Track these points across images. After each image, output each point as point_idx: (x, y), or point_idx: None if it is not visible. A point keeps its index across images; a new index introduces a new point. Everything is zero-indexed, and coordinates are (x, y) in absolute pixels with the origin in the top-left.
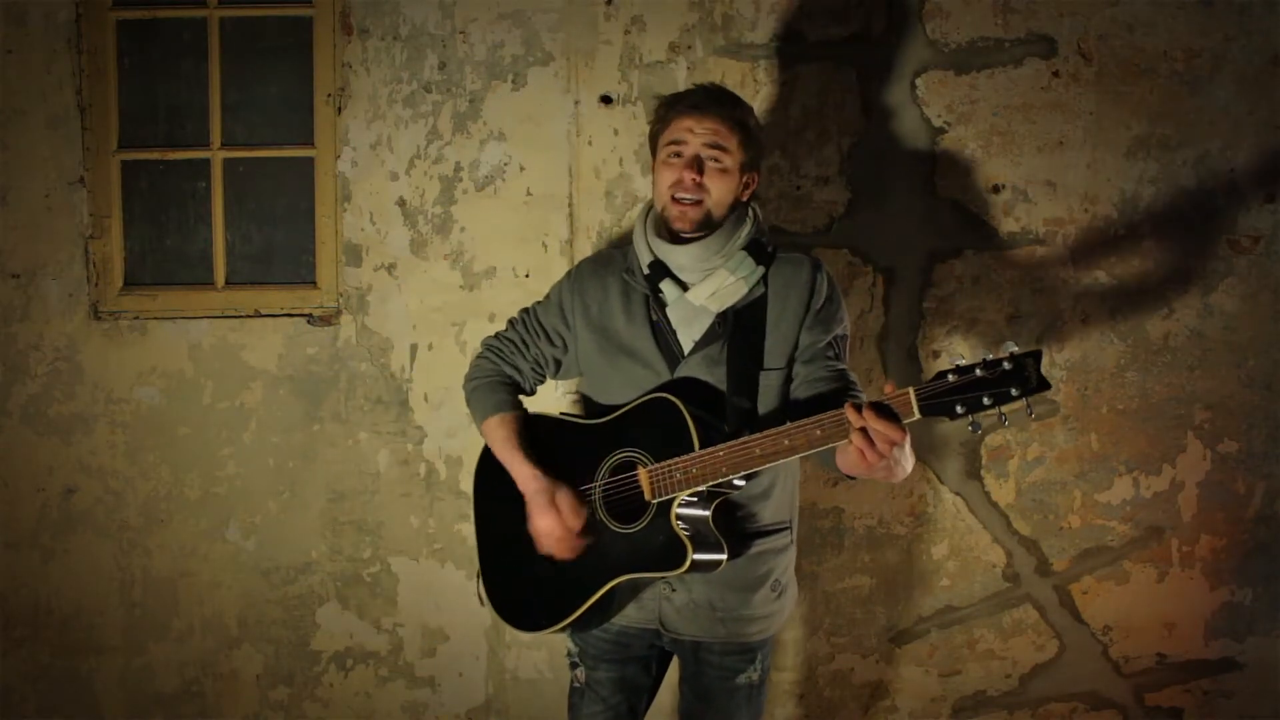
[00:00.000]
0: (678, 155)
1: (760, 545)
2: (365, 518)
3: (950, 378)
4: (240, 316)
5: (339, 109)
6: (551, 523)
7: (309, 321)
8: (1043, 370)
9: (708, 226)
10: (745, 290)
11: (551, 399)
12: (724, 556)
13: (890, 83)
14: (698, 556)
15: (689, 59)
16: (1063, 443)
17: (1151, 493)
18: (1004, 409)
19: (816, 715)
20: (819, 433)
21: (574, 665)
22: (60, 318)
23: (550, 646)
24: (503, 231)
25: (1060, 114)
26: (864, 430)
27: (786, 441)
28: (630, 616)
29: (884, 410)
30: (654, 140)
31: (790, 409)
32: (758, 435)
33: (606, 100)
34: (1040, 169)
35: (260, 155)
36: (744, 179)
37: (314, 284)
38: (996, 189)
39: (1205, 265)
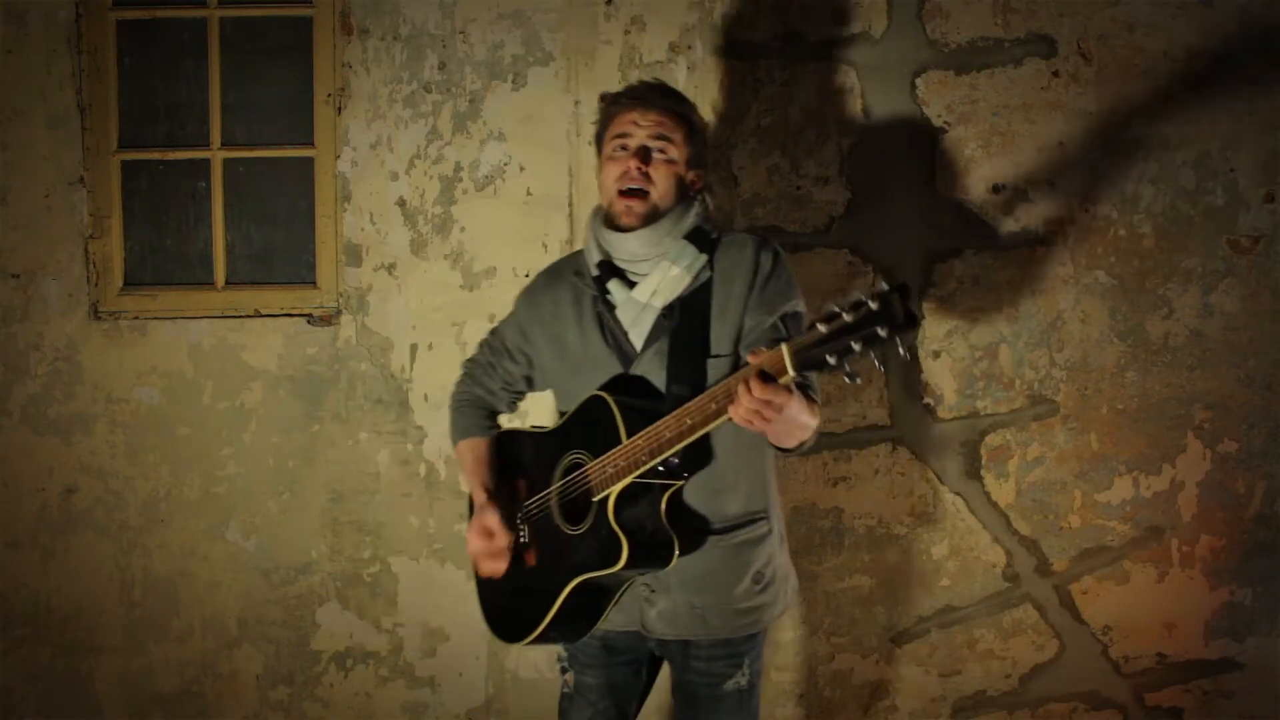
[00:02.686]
0: (623, 148)
1: (733, 538)
2: (365, 518)
3: (820, 327)
4: (240, 316)
5: (339, 109)
6: (478, 544)
7: (309, 321)
8: (911, 305)
9: (653, 220)
10: (689, 279)
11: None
12: (673, 551)
13: (890, 83)
14: (637, 550)
15: (689, 59)
16: (1063, 443)
17: (1151, 493)
18: (874, 351)
19: (816, 715)
20: (714, 406)
21: (564, 670)
22: (60, 318)
23: (549, 647)
24: (503, 231)
25: (1060, 114)
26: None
27: (689, 421)
28: (612, 621)
29: (767, 378)
30: (599, 139)
31: None
32: (665, 418)
33: (603, 102)
34: (1040, 169)
35: (260, 155)
36: (689, 174)
37: (314, 284)
38: (996, 189)
39: (1205, 265)
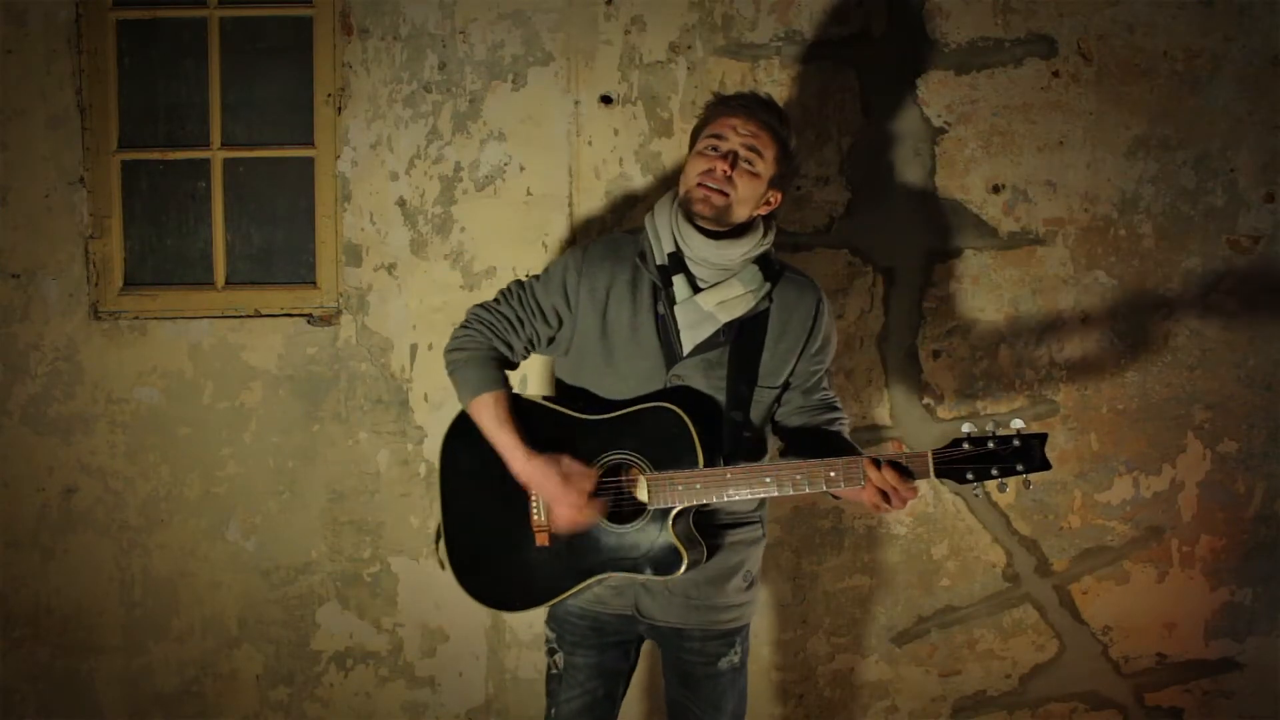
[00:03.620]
0: (715, 149)
1: (733, 537)
2: (365, 518)
3: (965, 446)
4: (240, 316)
5: (339, 109)
6: (568, 499)
7: (309, 321)
8: (1046, 451)
9: (724, 222)
10: (752, 304)
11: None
12: (704, 557)
13: (890, 83)
14: (692, 561)
15: (689, 59)
16: (1063, 443)
17: (1151, 493)
18: (1007, 480)
19: (816, 715)
20: (833, 474)
21: (552, 651)
22: (60, 318)
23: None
24: (503, 231)
25: (1060, 114)
26: (882, 487)
27: (799, 476)
28: (607, 603)
29: (903, 471)
30: (695, 134)
31: (779, 432)
32: (773, 465)
33: (606, 100)
34: (1040, 169)
35: (260, 155)
36: (769, 193)
37: (314, 284)
38: (996, 189)
39: (1205, 265)
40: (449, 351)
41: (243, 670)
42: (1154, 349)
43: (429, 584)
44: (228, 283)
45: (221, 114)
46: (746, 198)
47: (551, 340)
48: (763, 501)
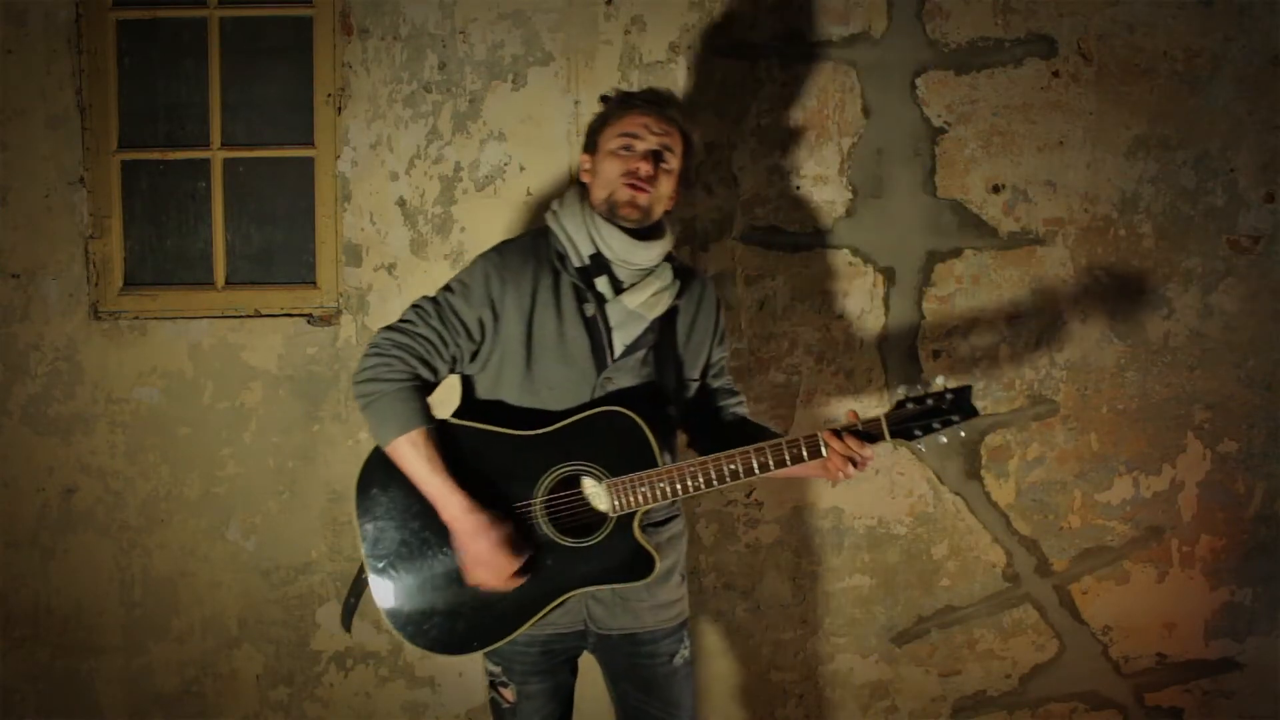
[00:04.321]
0: (630, 148)
1: (664, 534)
2: None
3: (909, 406)
4: (240, 316)
5: (339, 109)
6: (495, 567)
7: (309, 321)
8: (974, 400)
9: (645, 221)
10: (670, 300)
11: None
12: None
13: (890, 83)
14: (663, 564)
15: (689, 59)
16: (1063, 443)
17: (1151, 493)
18: (944, 433)
19: (816, 715)
20: (794, 452)
21: (499, 686)
22: (60, 318)
23: None
24: (503, 231)
25: (1060, 114)
26: (848, 455)
27: (764, 459)
28: (556, 624)
29: (864, 436)
30: (597, 132)
31: (696, 421)
32: (731, 452)
33: (606, 100)
34: (1040, 169)
35: (260, 155)
36: (678, 182)
37: (314, 284)
38: (996, 189)
39: (1205, 265)
40: (361, 383)
41: (243, 670)
42: (1154, 349)
43: None
44: (228, 283)
45: (221, 114)
46: (664, 195)
47: (475, 356)
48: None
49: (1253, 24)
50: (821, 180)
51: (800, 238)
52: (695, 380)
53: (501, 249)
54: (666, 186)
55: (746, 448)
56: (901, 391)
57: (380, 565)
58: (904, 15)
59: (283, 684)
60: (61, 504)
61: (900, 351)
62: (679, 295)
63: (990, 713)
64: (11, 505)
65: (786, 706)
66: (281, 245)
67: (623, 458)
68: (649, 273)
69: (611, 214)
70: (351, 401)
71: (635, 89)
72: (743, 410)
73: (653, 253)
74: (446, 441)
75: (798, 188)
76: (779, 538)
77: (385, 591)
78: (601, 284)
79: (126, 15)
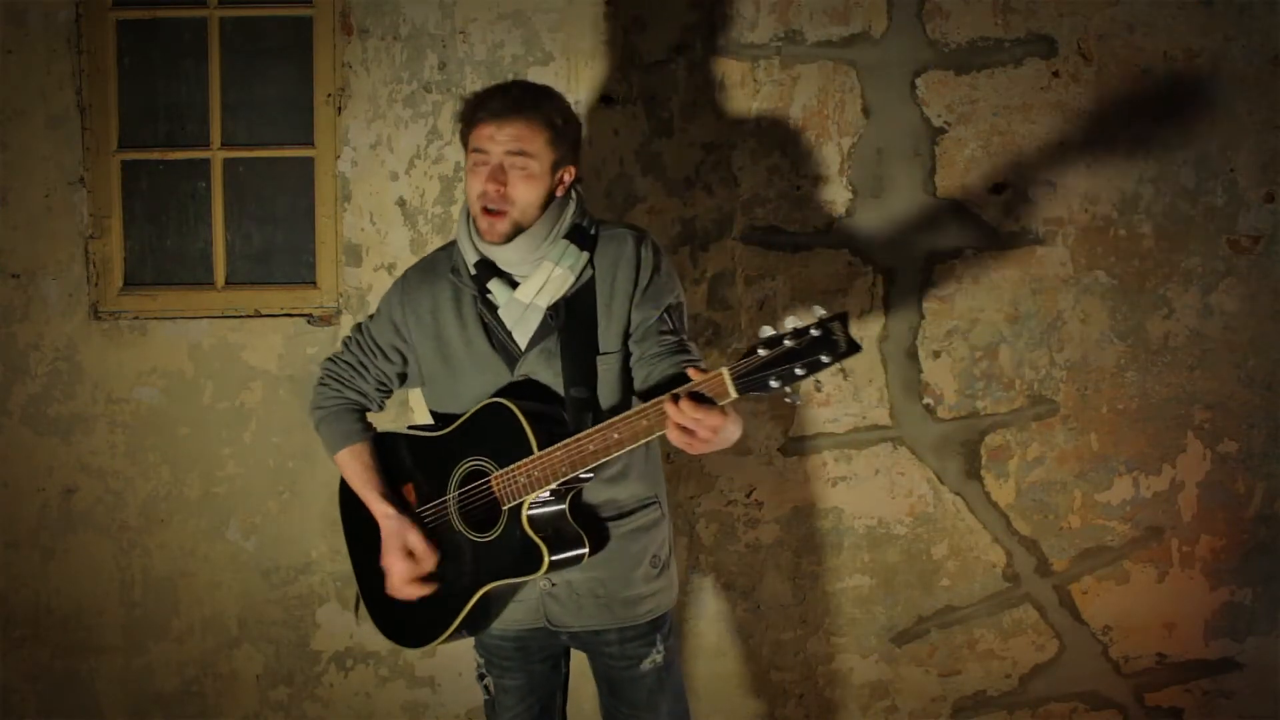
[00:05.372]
0: (483, 164)
1: (627, 525)
2: None
3: (761, 352)
4: (240, 316)
5: (339, 109)
6: (403, 568)
7: (309, 321)
8: (851, 332)
9: (517, 234)
10: (573, 279)
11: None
12: (584, 550)
13: (890, 83)
14: (555, 557)
15: (689, 59)
16: (1063, 443)
17: (1151, 493)
18: (817, 376)
19: (816, 715)
20: (645, 423)
21: (481, 676)
22: (60, 318)
23: None
24: None
25: (1060, 114)
26: (683, 423)
27: (615, 435)
28: (519, 620)
29: (700, 399)
30: (462, 139)
31: (639, 396)
32: (589, 431)
33: (606, 100)
34: (1040, 169)
35: (260, 155)
36: (557, 176)
37: (314, 284)
38: (996, 189)
39: (1205, 265)
40: (311, 411)
41: (243, 670)
42: (1154, 349)
43: None
44: (228, 283)
45: (221, 114)
46: (530, 201)
47: (403, 376)
48: (659, 483)
49: (1253, 24)
50: (821, 180)
51: (800, 238)
52: (616, 351)
53: (408, 271)
54: (529, 193)
55: (607, 423)
56: (764, 332)
57: (354, 564)
58: (904, 15)
59: (283, 684)
60: (61, 504)
61: (900, 351)
62: (591, 266)
63: (990, 713)
64: (11, 505)
65: (786, 706)
66: (281, 245)
67: (506, 448)
68: (542, 257)
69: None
70: None
71: (493, 86)
72: (684, 368)
73: (531, 250)
74: (384, 450)
75: (798, 188)
76: (779, 538)
77: (363, 587)
78: (495, 286)
79: (126, 15)
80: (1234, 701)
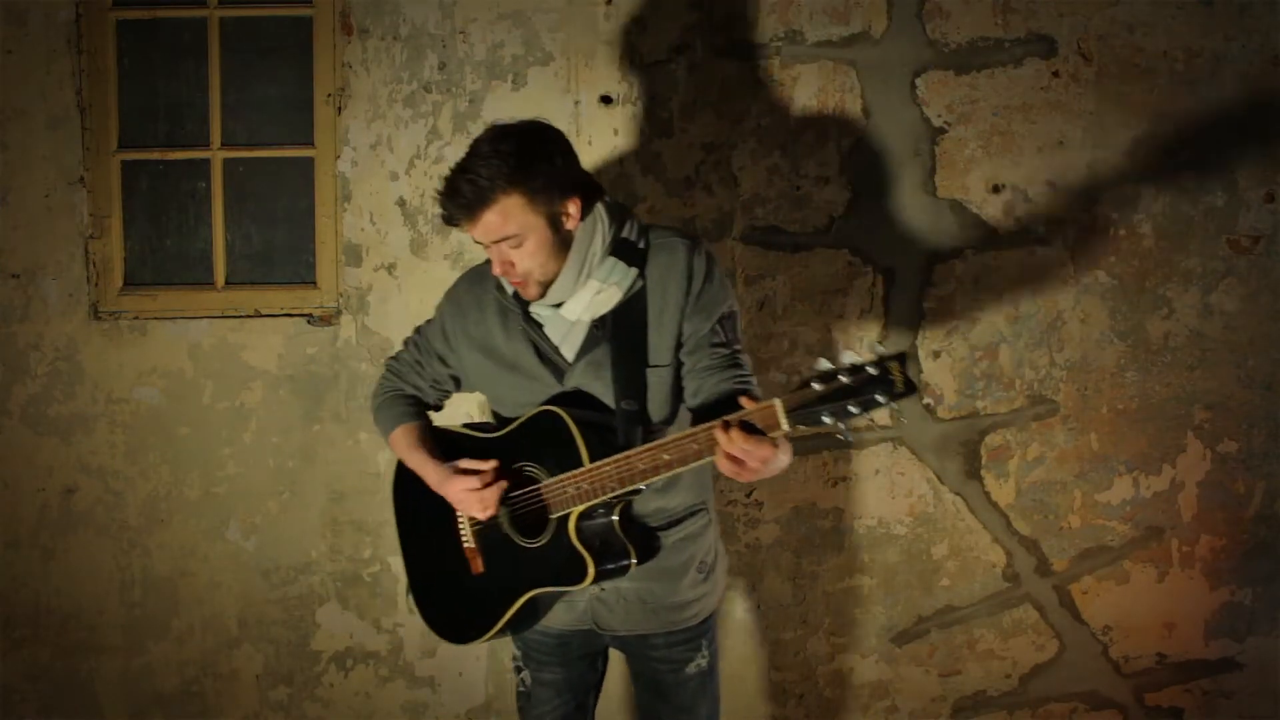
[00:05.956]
0: (486, 248)
1: (676, 534)
2: (365, 518)
3: (815, 386)
4: (240, 316)
5: (339, 109)
6: (467, 481)
7: (309, 321)
8: (910, 374)
9: (551, 282)
10: (620, 295)
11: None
12: (631, 561)
13: (890, 83)
14: (601, 568)
15: (689, 59)
16: (1063, 443)
17: (1151, 493)
18: (873, 415)
19: (816, 715)
20: (695, 447)
21: (518, 670)
22: (60, 318)
23: None
24: None
25: (1060, 114)
26: (733, 452)
27: (665, 456)
28: (564, 620)
29: (751, 429)
30: None
31: (691, 411)
32: (640, 449)
33: (606, 100)
34: (1040, 169)
35: (260, 155)
36: (556, 219)
37: (314, 284)
38: (996, 189)
39: (1205, 265)
40: (371, 400)
41: (243, 670)
42: (1154, 349)
43: None
44: (228, 283)
45: (221, 114)
46: (541, 263)
47: (457, 379)
48: (707, 489)
49: (1253, 24)
50: (821, 180)
51: (800, 238)
52: (667, 364)
53: (458, 280)
54: (535, 258)
55: (658, 443)
56: (819, 364)
57: (405, 558)
58: (904, 15)
59: (283, 684)
60: (61, 504)
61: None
62: (641, 278)
63: (990, 713)
64: (11, 505)
65: (786, 706)
66: (281, 245)
67: (557, 458)
68: (590, 276)
69: None
70: (351, 401)
71: (441, 189)
72: (744, 386)
73: (562, 290)
74: (439, 443)
75: (798, 188)
76: (779, 538)
77: (412, 582)
78: (538, 307)
79: (126, 15)
80: (1234, 701)
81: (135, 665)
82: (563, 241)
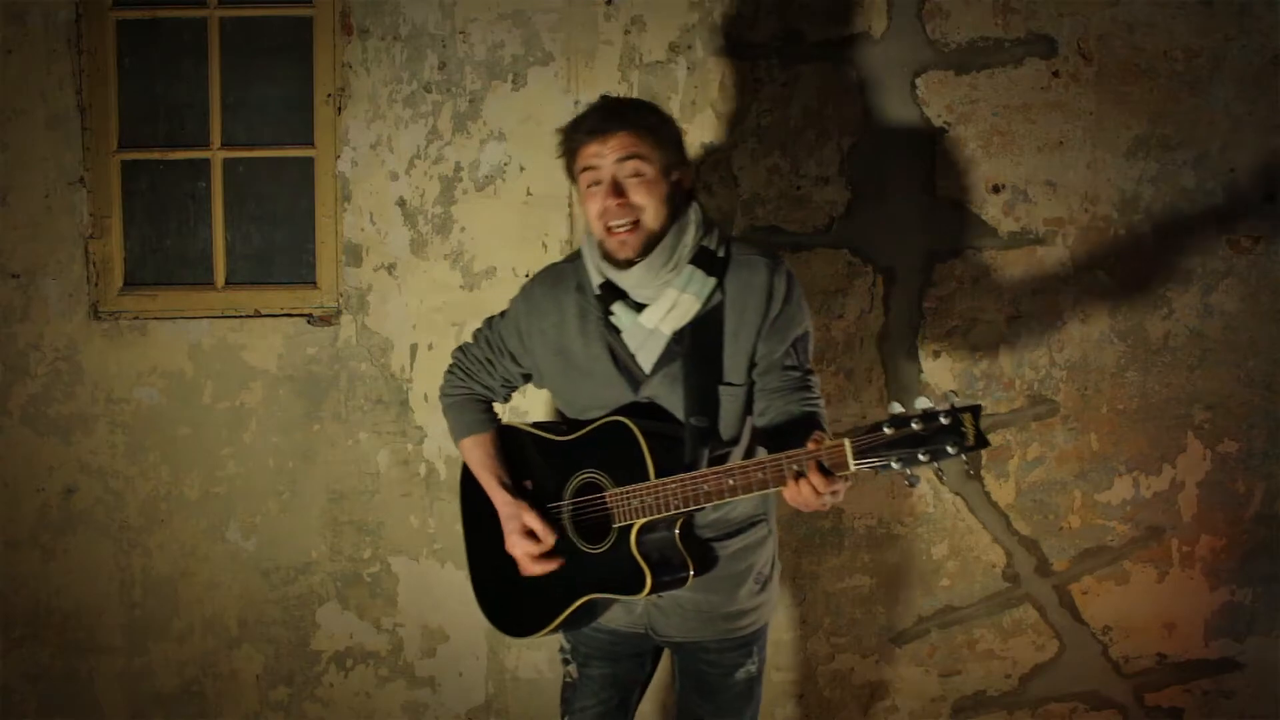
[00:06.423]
0: (596, 183)
1: (736, 543)
2: (365, 518)
3: (886, 430)
4: (240, 316)
5: (339, 109)
6: (526, 546)
7: (309, 321)
8: (981, 427)
9: (652, 244)
10: (699, 306)
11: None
12: (689, 574)
13: (890, 83)
14: (659, 580)
15: (689, 59)
16: (1063, 443)
17: (1151, 493)
18: (941, 465)
19: (816, 715)
20: (761, 476)
21: (566, 661)
22: (60, 318)
23: (549, 647)
24: (503, 231)
25: (1060, 114)
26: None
27: (731, 482)
28: (619, 620)
29: (820, 467)
30: (569, 172)
31: (756, 428)
32: (707, 471)
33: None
34: (1040, 169)
35: (260, 155)
36: (673, 179)
37: (314, 284)
38: (996, 189)
39: (1205, 265)
40: (440, 397)
41: (243, 670)
42: (1154, 349)
43: (429, 584)
44: (228, 283)
45: (221, 114)
46: (655, 208)
47: (527, 377)
48: (769, 499)
49: (1253, 24)
50: (821, 180)
51: (800, 238)
52: (740, 383)
53: (537, 276)
54: (649, 197)
55: (725, 468)
56: (893, 408)
57: (468, 550)
58: (904, 15)
59: (283, 684)
60: (61, 504)
61: (900, 352)
62: (720, 291)
63: (990, 713)
64: (11, 505)
65: (786, 706)
66: (281, 245)
67: (624, 468)
68: (667, 284)
69: (612, 256)
70: (351, 401)
71: (584, 108)
72: (811, 408)
73: (656, 275)
74: (507, 442)
75: (798, 188)
76: (779, 538)
77: (473, 574)
78: (619, 309)
79: (126, 15)
80: (1234, 701)
81: (135, 665)
82: (671, 206)
